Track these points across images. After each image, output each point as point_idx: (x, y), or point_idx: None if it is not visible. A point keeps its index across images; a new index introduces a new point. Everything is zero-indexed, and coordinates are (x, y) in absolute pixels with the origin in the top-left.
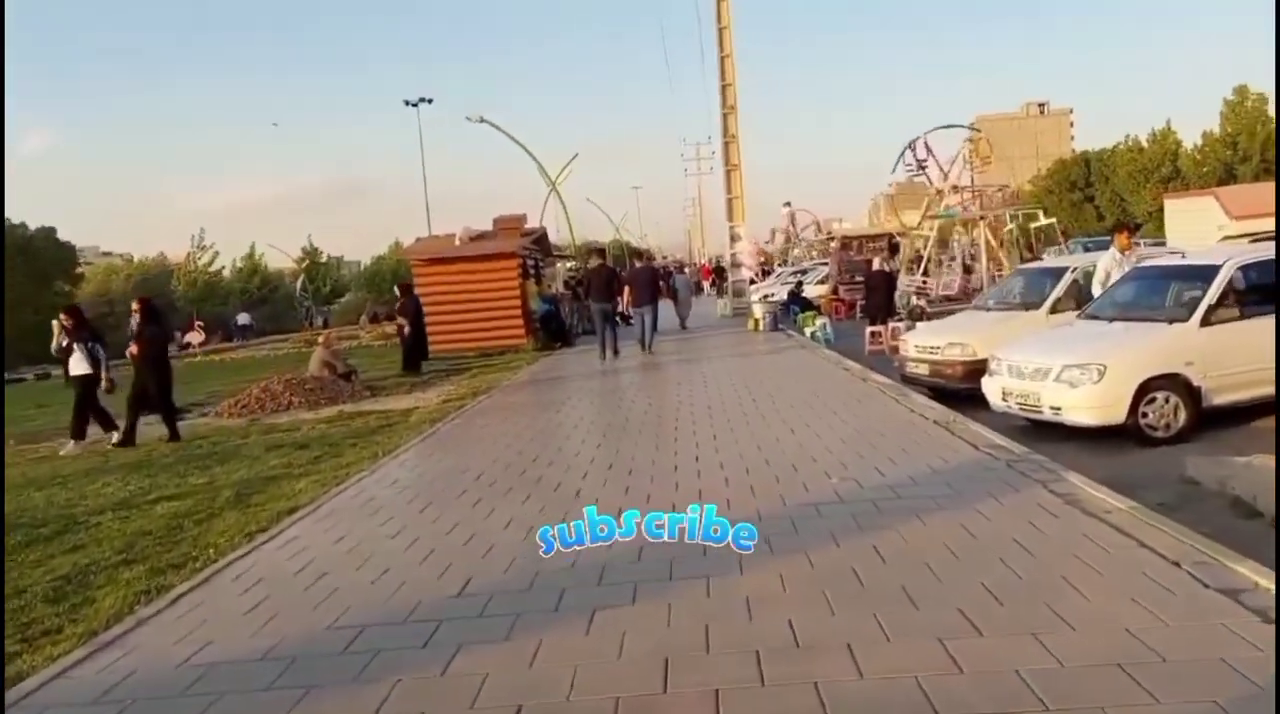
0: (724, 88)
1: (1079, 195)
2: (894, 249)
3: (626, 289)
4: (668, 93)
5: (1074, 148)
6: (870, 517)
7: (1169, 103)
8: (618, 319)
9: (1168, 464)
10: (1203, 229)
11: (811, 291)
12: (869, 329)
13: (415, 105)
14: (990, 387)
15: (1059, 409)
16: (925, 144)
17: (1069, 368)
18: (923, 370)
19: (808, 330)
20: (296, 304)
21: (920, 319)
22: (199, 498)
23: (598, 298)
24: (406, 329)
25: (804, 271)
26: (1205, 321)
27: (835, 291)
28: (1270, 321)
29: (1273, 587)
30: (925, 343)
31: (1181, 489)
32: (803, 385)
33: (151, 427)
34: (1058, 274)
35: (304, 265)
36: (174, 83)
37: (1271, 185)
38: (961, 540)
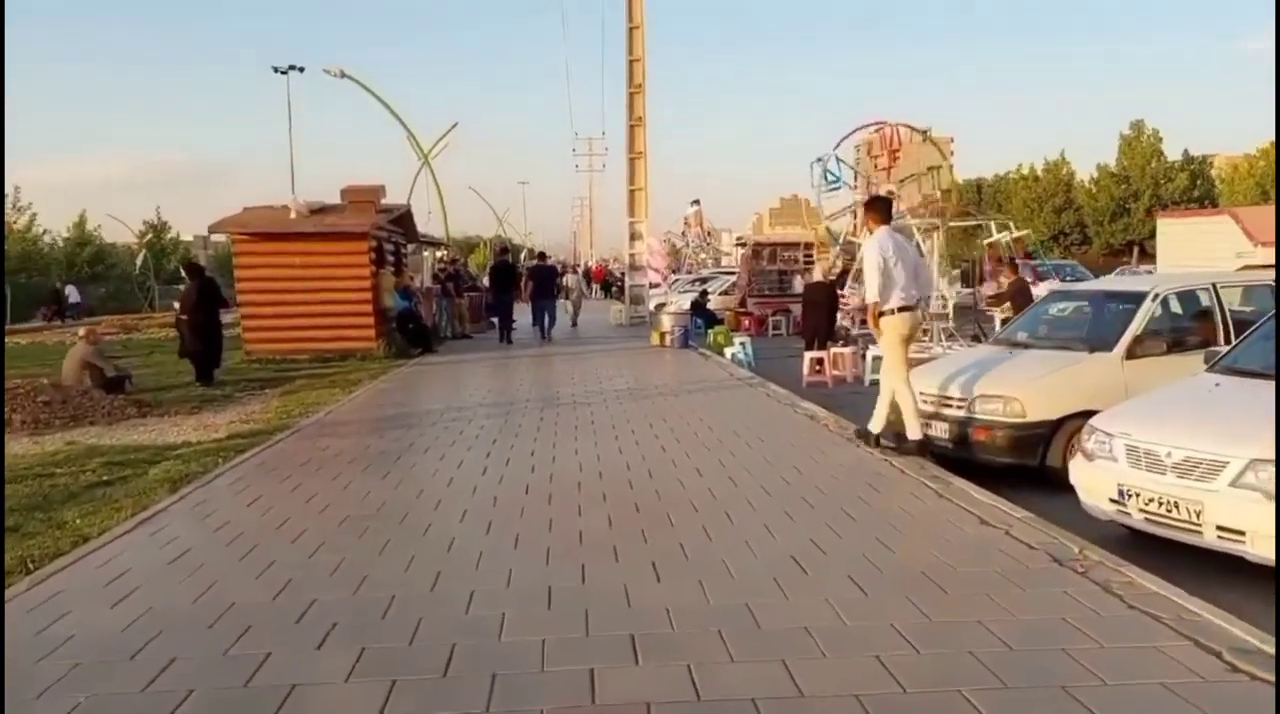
0: (631, 63)
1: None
2: (809, 260)
3: (527, 283)
4: (562, 80)
5: (953, 176)
6: None
7: (1044, 136)
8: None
9: None
10: (1213, 254)
11: (715, 303)
12: (809, 356)
13: (284, 73)
14: (1090, 476)
15: (1240, 533)
16: (837, 158)
17: (1261, 464)
18: (939, 432)
19: (728, 351)
20: (136, 285)
21: (848, 342)
22: None
23: (501, 290)
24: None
25: (705, 280)
26: None
27: (743, 304)
28: None
29: None
30: (942, 393)
31: None
32: (765, 449)
33: None
34: (1129, 300)
35: (145, 240)
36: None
37: None
38: None
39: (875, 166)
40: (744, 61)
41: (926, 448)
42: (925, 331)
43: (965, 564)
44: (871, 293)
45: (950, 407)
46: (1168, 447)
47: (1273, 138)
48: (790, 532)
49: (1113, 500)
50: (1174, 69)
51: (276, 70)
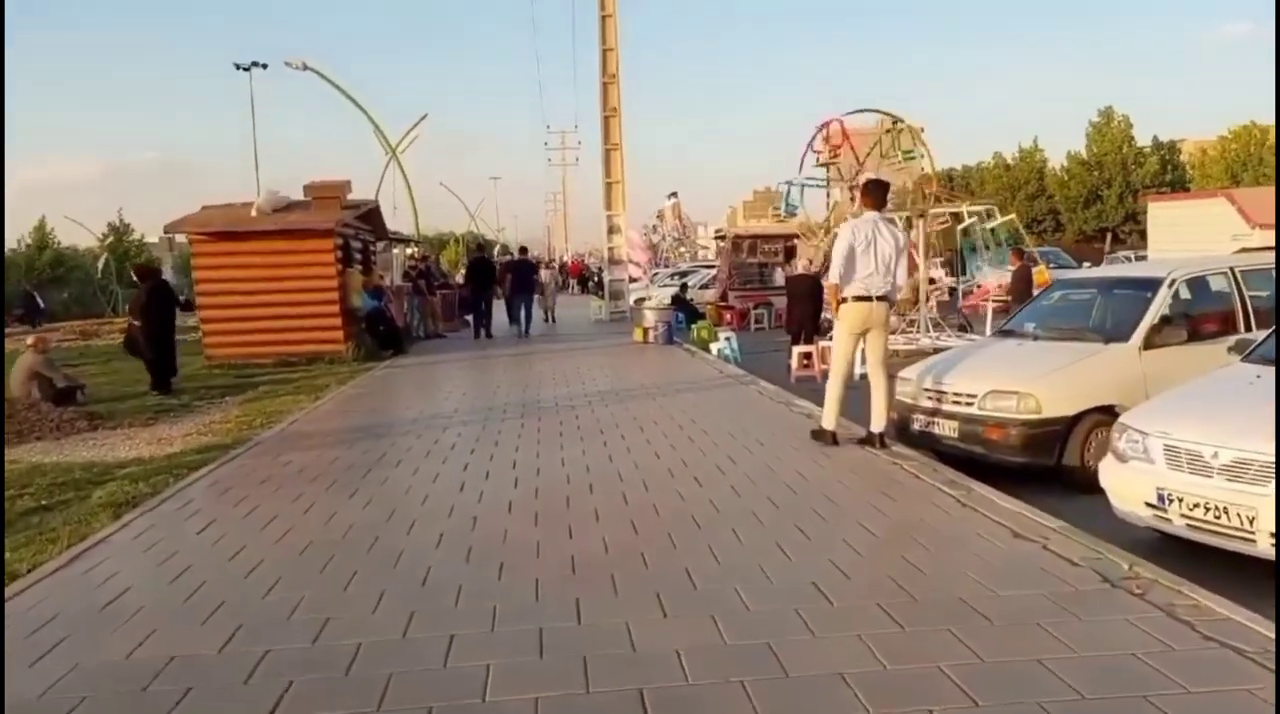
0: (605, 53)
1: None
2: (790, 253)
3: (504, 277)
4: (534, 72)
5: (918, 140)
6: None
7: (1016, 124)
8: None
9: None
10: (1208, 237)
11: (695, 296)
12: (797, 350)
13: (247, 70)
14: (1124, 480)
15: None
16: (804, 182)
17: None
18: (947, 430)
19: (713, 347)
20: (98, 288)
21: (828, 335)
22: None
23: (479, 287)
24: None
25: (684, 273)
26: None
27: (724, 297)
28: None
29: None
30: (949, 389)
31: None
32: (765, 453)
33: None
34: (1144, 287)
35: (106, 243)
36: None
37: None
38: None
39: (818, 161)
40: (715, 53)
41: (829, 437)
42: (911, 322)
43: (1007, 586)
44: (833, 275)
45: (959, 403)
46: (1214, 447)
47: (1243, 121)
48: (806, 551)
49: (1150, 505)
50: (1142, 55)
51: (238, 67)
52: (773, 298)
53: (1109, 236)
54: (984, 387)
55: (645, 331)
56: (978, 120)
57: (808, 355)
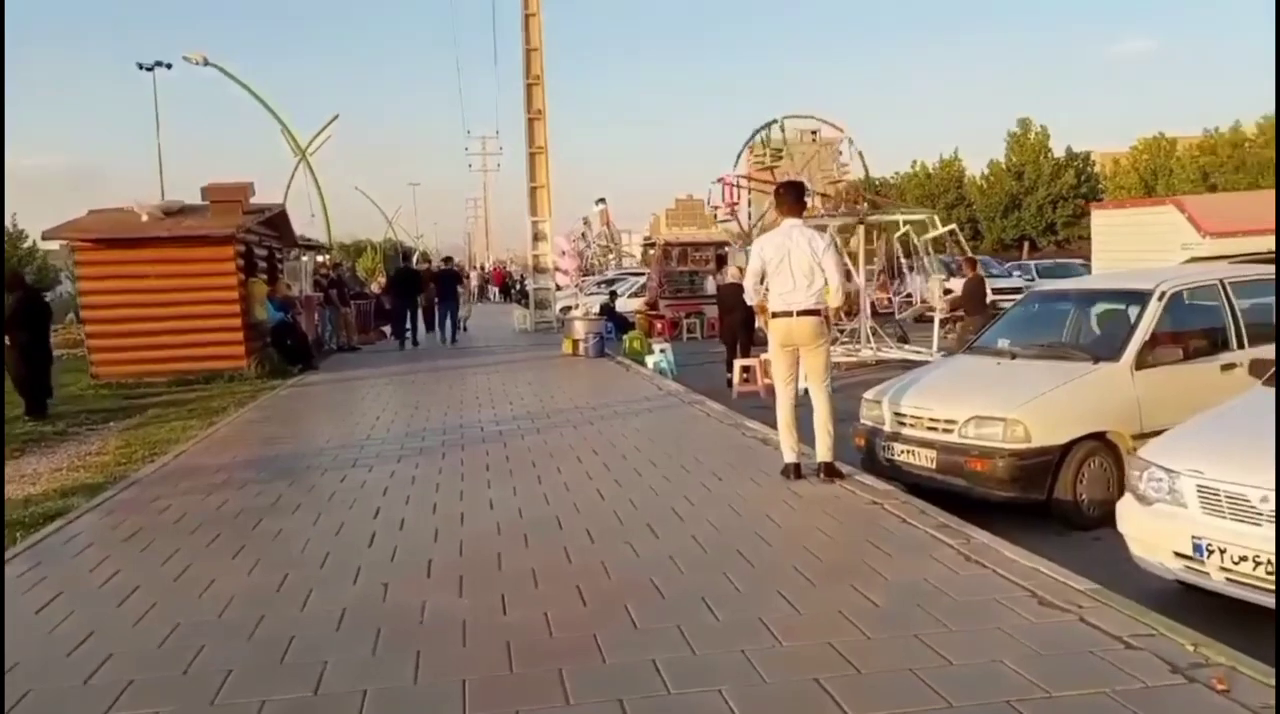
0: (528, 53)
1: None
2: (720, 262)
3: (428, 285)
4: (454, 75)
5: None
6: None
7: (933, 138)
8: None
9: None
10: (1157, 246)
11: (624, 306)
12: (738, 363)
13: (150, 69)
14: (1148, 526)
15: None
16: (737, 181)
17: None
18: (922, 460)
19: (649, 361)
20: None
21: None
22: None
23: (403, 296)
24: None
25: (612, 282)
26: None
27: (654, 306)
28: None
29: None
30: (924, 414)
31: None
32: (725, 490)
33: None
34: (1130, 300)
35: None
36: None
37: (1248, 196)
38: None
39: (716, 217)
40: (637, 61)
41: (790, 470)
42: (850, 333)
43: (1059, 682)
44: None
45: (935, 430)
46: (1262, 490)
47: (1149, 134)
48: (800, 631)
49: (1181, 556)
50: (1049, 70)
51: (141, 67)
52: (704, 307)
53: (1026, 245)
54: (965, 412)
55: (575, 343)
56: (898, 131)
57: (748, 369)
